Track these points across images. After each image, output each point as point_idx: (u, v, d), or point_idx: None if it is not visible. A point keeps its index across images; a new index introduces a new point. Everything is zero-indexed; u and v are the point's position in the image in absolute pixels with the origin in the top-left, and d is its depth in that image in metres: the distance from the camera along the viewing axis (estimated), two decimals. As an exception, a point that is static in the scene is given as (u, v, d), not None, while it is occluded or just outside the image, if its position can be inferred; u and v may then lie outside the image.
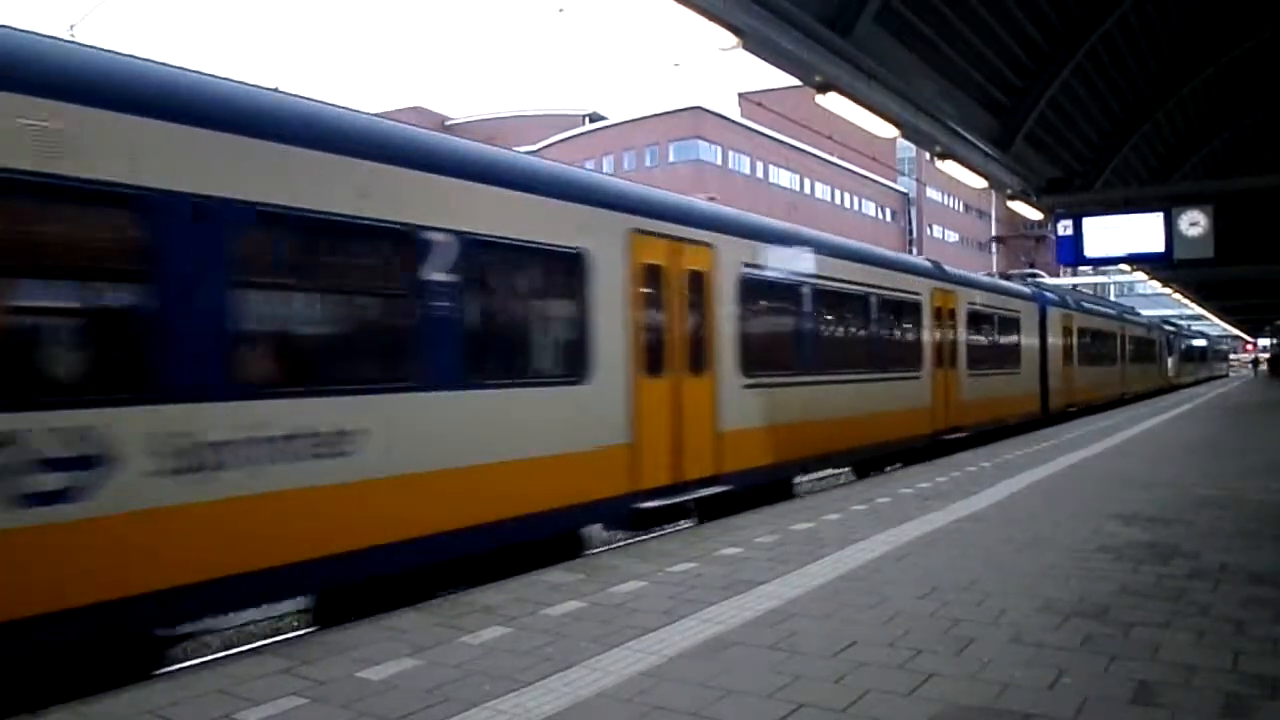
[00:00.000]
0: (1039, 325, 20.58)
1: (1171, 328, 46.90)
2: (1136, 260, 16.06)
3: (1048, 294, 22.78)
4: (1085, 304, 27.53)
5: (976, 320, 16.87)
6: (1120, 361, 30.57)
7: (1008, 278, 24.26)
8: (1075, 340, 23.70)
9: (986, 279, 20.39)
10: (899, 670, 4.10)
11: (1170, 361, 43.65)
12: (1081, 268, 23.61)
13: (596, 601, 5.36)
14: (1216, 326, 73.70)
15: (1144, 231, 12.56)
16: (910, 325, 14.06)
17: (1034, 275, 27.60)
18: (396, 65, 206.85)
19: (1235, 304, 46.16)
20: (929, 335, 14.50)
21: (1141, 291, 57.80)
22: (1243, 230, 19.76)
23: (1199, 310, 52.09)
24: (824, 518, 8.02)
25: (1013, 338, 19.02)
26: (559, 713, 3.69)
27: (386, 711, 3.73)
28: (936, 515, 8.10)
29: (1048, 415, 20.67)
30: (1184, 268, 22.38)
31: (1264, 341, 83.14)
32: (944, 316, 15.13)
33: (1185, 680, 3.93)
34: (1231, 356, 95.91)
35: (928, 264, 15.85)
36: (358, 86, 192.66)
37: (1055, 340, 21.78)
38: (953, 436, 15.00)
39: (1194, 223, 12.16)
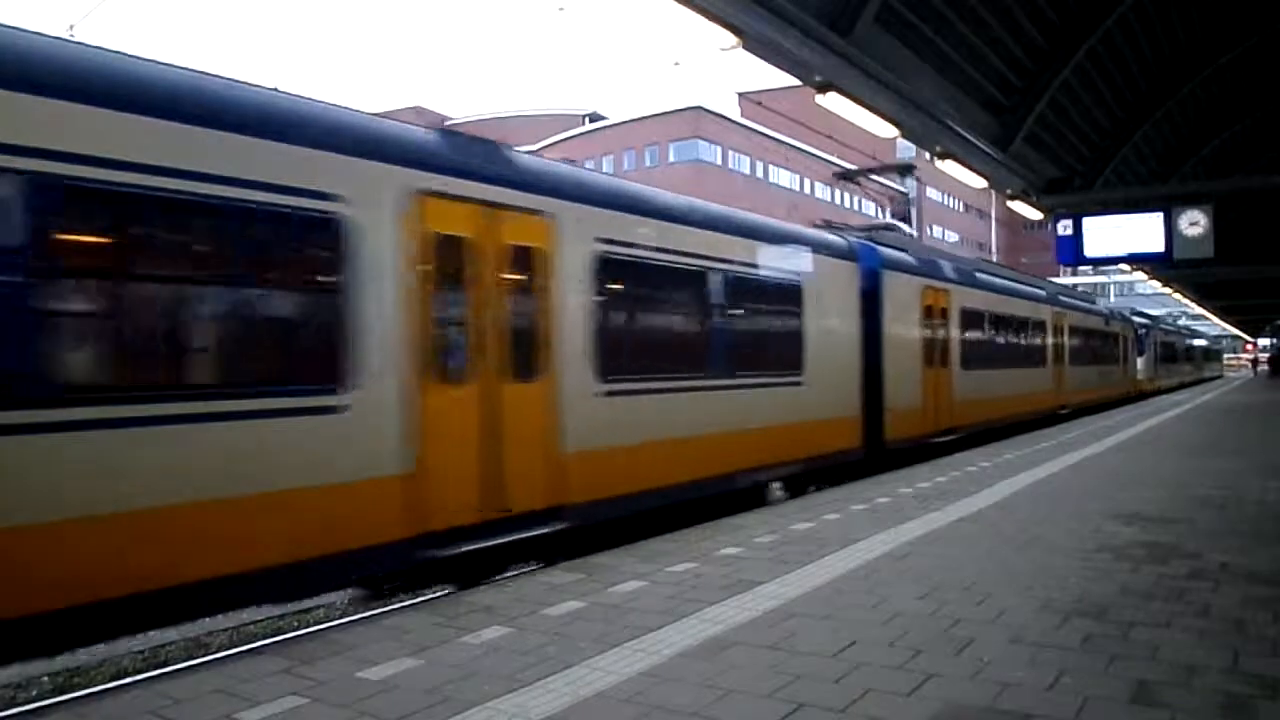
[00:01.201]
0: (859, 301, 12.32)
1: (1144, 319, 38.10)
2: (1136, 260, 16.09)
3: (887, 251, 13.63)
4: (983, 274, 18.47)
5: (652, 283, 8.76)
6: (1053, 361, 21.87)
7: (833, 229, 13.53)
8: (955, 328, 15.49)
9: (674, 198, 9.65)
10: (899, 670, 4.10)
11: (1142, 362, 35.22)
12: (1082, 267, 22.04)
13: (596, 601, 5.36)
14: (1216, 326, 73.54)
15: (1144, 231, 12.57)
16: (317, 280, 6.01)
17: (891, 228, 16.99)
18: (396, 65, 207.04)
19: (1235, 304, 46.14)
20: (418, 311, 6.34)
21: (1142, 291, 57.90)
22: (1243, 230, 19.77)
23: (1199, 310, 52.21)
24: (824, 518, 8.03)
25: (786, 319, 10.76)
26: (559, 712, 3.69)
27: (386, 711, 3.73)
28: (936, 515, 8.10)
29: (881, 451, 12.52)
30: (1184, 268, 22.49)
31: (1264, 341, 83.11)
32: (513, 268, 7.10)
33: (1185, 680, 3.92)
34: (1229, 357, 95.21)
35: (432, 140, 7.01)
36: (358, 86, 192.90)
37: (904, 328, 13.67)
38: (539, 532, 6.98)
39: (1194, 223, 12.16)
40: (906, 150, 65.51)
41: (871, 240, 13.86)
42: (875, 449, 12.50)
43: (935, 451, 13.88)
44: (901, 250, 14.61)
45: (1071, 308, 24.54)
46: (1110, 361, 29.19)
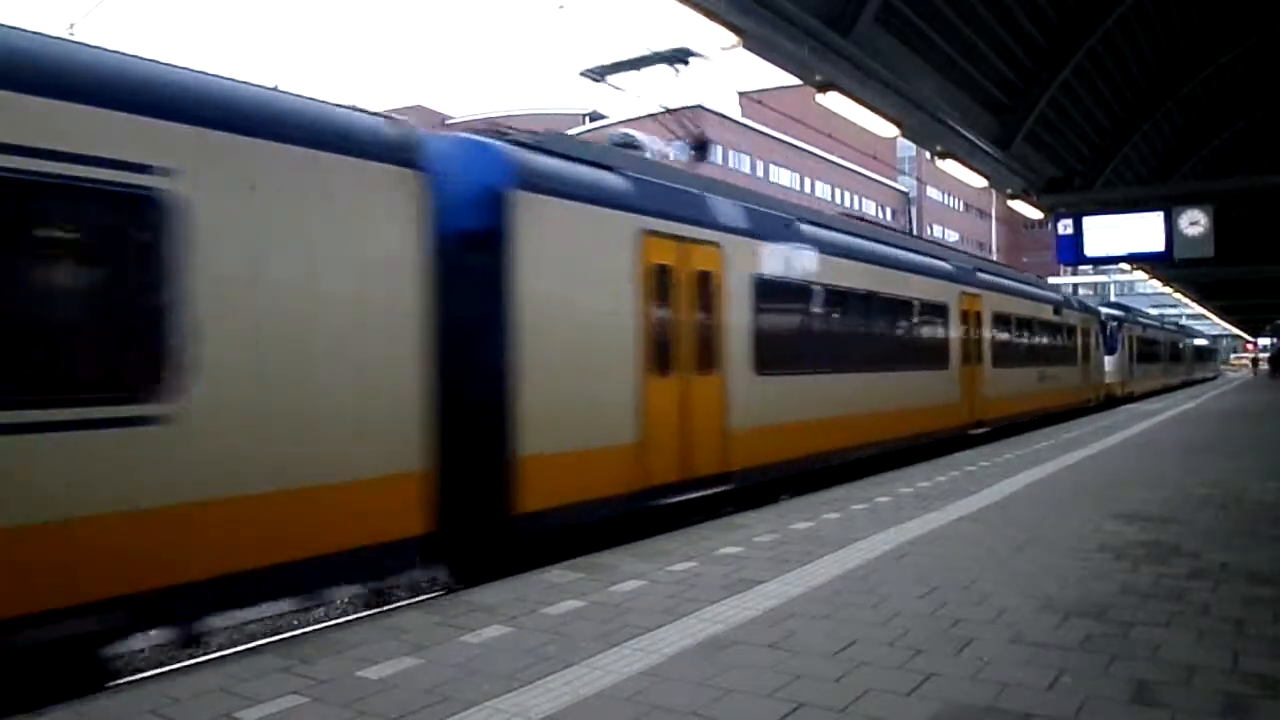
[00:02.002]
0: (426, 248, 6.32)
1: (1115, 310, 32.69)
2: (1137, 260, 16.09)
3: (539, 162, 7.75)
4: (814, 227, 11.89)
5: None
6: (962, 361, 15.69)
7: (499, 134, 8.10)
8: (736, 310, 9.67)
9: None
10: (899, 670, 4.10)
11: (1111, 361, 29.36)
12: (1082, 266, 21.25)
13: (596, 601, 5.36)
14: (1216, 326, 73.52)
15: (1144, 231, 12.56)
16: None
17: (630, 145, 10.19)
18: (396, 65, 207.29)
19: (1235, 304, 46.16)
20: None
21: (1142, 291, 57.82)
22: (1243, 230, 19.79)
23: (1199, 310, 52.23)
24: (824, 517, 8.02)
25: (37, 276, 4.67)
26: (559, 712, 3.69)
27: (386, 710, 3.74)
28: (936, 515, 8.10)
29: (505, 534, 7.07)
30: (1184, 267, 22.45)
31: (1264, 341, 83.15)
32: None
33: (1185, 680, 3.93)
34: (1234, 357, 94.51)
35: None
36: (359, 86, 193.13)
37: (589, 303, 8.00)
38: None
39: (1194, 222, 12.16)
40: (907, 149, 65.62)
41: (512, 142, 7.84)
42: (484, 531, 7.00)
43: (670, 519, 8.14)
44: (598, 167, 8.27)
45: (999, 289, 18.39)
46: (1062, 361, 23.18)
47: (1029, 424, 18.78)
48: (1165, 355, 43.15)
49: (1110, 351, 29.31)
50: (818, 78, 9.55)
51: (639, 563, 6.35)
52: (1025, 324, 20.00)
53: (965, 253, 22.71)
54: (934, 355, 14.97)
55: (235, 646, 7.07)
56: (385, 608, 6.63)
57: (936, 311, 15.07)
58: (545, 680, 4.03)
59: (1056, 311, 22.78)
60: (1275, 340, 75.67)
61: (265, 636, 7.38)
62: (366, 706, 3.78)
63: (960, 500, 8.91)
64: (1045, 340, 21.64)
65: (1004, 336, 18.30)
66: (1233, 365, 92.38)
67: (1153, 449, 14.03)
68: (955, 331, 15.66)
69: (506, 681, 4.02)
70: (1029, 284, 22.39)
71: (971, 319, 16.37)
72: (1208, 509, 8.26)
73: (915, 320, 14.44)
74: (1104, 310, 30.53)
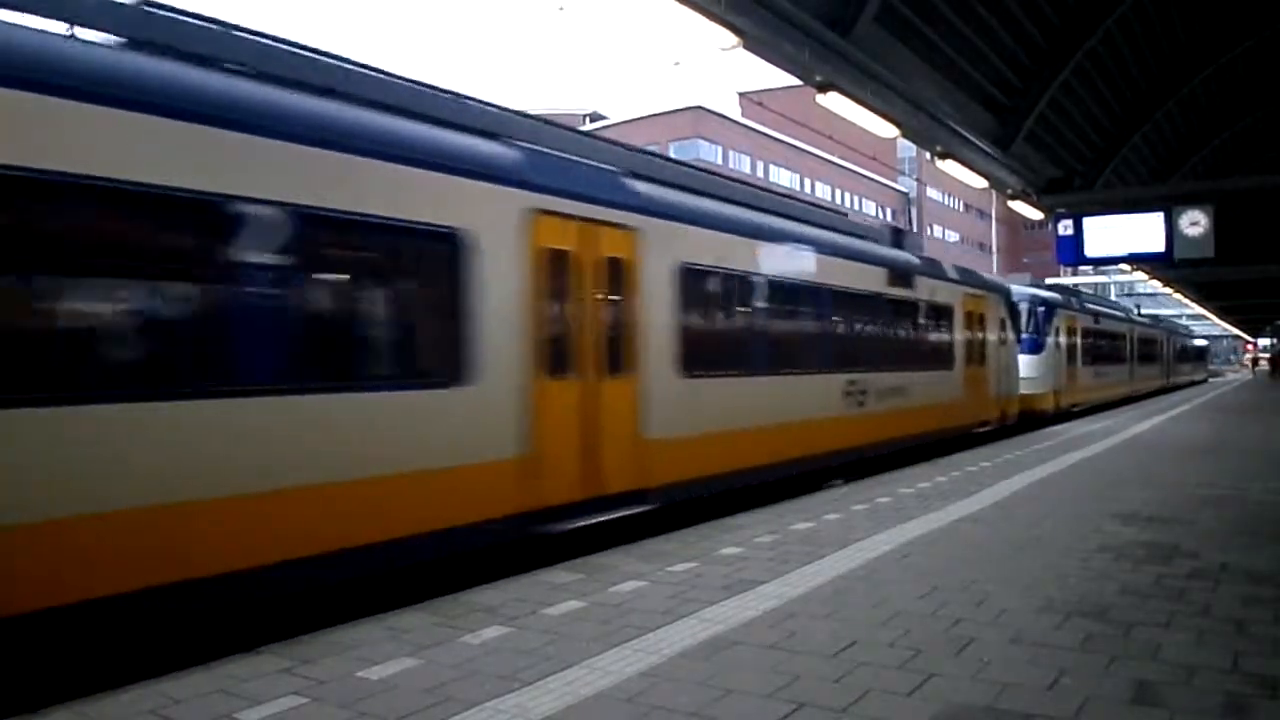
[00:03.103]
0: None
1: (1045, 293, 23.59)
2: (1137, 260, 16.09)
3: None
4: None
5: None
6: (574, 366, 7.30)
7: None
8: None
9: None
10: (899, 670, 4.10)
11: (1033, 363, 21.04)
12: (1082, 267, 20.93)
13: (596, 601, 5.36)
14: (1216, 326, 73.49)
15: (1144, 231, 12.57)
16: None
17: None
18: (397, 66, 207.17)
19: (1235, 304, 46.15)
20: None
21: (1142, 291, 57.69)
22: (1243, 230, 19.76)
23: (1199, 310, 52.24)
24: (824, 518, 8.02)
25: None
26: (559, 712, 3.69)
27: (386, 711, 3.73)
28: (936, 515, 8.10)
29: None
30: (1184, 267, 22.42)
31: (1264, 341, 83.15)
32: None
33: (1185, 680, 3.92)
34: (1239, 359, 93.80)
35: None
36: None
37: None
38: None
39: (1194, 222, 12.16)
40: (907, 149, 65.65)
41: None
42: None
43: None
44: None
45: (705, 223, 9.27)
46: (915, 362, 14.05)
47: (837, 471, 11.40)
48: (1131, 354, 33.13)
49: (1034, 349, 21.25)
50: (818, 78, 9.56)
51: (639, 563, 6.35)
52: (802, 296, 11.10)
53: (643, 150, 10.84)
54: (384, 361, 6.50)
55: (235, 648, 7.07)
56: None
57: (424, 270, 6.69)
58: (545, 681, 4.03)
59: (901, 280, 13.59)
60: (1276, 341, 75.60)
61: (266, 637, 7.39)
62: (366, 707, 3.78)
63: (961, 500, 8.90)
64: (870, 328, 12.85)
65: (734, 320, 10.07)
66: (1238, 367, 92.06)
67: (1152, 449, 14.01)
68: (500, 301, 6.74)
69: (507, 682, 4.02)
70: (838, 229, 12.98)
71: (595, 277, 7.74)
72: (1208, 509, 8.26)
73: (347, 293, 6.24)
74: (1020, 290, 21.55)
